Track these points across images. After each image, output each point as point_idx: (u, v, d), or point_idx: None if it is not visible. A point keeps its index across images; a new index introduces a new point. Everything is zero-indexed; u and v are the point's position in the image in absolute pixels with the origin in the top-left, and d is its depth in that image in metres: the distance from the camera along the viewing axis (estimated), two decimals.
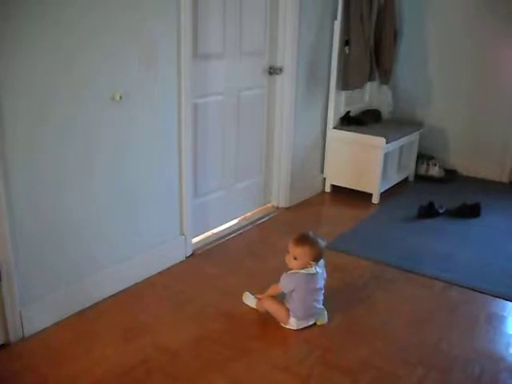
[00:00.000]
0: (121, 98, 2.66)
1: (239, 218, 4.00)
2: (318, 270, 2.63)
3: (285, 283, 2.62)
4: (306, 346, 2.52)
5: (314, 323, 2.67)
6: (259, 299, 2.74)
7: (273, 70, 3.91)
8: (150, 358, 2.38)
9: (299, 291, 2.58)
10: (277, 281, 2.66)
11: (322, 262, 2.68)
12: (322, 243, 2.63)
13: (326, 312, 2.71)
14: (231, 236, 3.71)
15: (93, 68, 2.52)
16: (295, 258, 2.58)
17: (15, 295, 2.41)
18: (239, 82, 3.67)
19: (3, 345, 2.42)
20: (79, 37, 2.42)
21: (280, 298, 2.68)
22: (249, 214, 4.09)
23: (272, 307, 2.66)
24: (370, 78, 4.64)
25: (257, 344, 2.53)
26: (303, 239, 2.60)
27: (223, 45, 3.45)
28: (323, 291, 2.67)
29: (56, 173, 2.47)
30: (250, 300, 2.79)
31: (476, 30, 4.86)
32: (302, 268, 2.59)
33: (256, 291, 2.82)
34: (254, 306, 2.77)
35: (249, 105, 3.81)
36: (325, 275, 2.70)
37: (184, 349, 2.47)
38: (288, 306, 2.62)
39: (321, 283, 2.64)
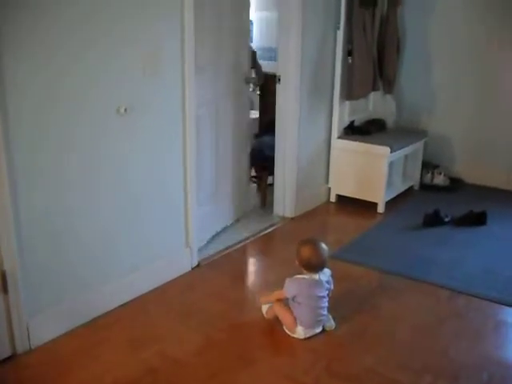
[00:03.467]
0: (125, 110, 2.68)
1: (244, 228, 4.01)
2: (322, 277, 2.64)
3: (287, 288, 2.64)
4: (311, 355, 2.52)
5: (322, 330, 2.67)
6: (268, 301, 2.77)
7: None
8: (157, 368, 2.39)
9: (301, 297, 2.59)
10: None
11: (327, 271, 2.69)
12: (326, 251, 2.65)
13: (331, 317, 2.72)
14: (237, 246, 3.72)
15: (97, 81, 2.54)
16: (299, 260, 2.63)
17: (22, 307, 2.42)
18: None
19: (10, 356, 2.42)
20: (81, 46, 2.44)
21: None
22: (254, 223, 4.10)
23: (281, 313, 2.67)
24: (374, 88, 4.65)
25: (263, 353, 2.53)
26: (307, 241, 2.70)
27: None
28: (327, 299, 2.67)
29: (60, 185, 2.49)
30: (264, 306, 2.80)
31: (480, 38, 4.87)
32: (306, 273, 2.62)
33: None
34: (264, 312, 2.78)
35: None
36: (331, 286, 2.70)
37: (191, 358, 2.47)
38: (294, 313, 2.62)
39: (324, 292, 2.65)
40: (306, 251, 2.63)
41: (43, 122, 2.36)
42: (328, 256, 2.68)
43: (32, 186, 2.37)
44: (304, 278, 2.62)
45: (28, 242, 2.40)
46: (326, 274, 2.67)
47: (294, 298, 2.62)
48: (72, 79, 2.44)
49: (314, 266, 2.62)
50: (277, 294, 2.71)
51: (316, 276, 2.62)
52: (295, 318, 2.61)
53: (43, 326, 2.53)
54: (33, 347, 2.49)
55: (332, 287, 2.71)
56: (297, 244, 2.70)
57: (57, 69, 2.36)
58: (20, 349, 2.45)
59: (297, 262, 2.66)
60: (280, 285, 2.67)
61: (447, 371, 2.41)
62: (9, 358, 2.42)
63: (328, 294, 2.68)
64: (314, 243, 2.67)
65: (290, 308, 2.65)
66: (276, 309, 2.70)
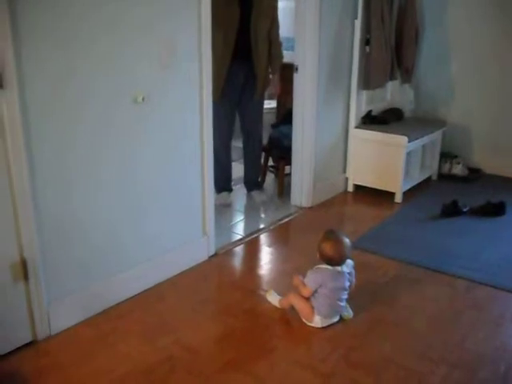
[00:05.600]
0: (143, 99, 2.69)
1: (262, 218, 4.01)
2: (345, 269, 2.62)
3: (311, 279, 2.62)
4: (329, 343, 2.53)
5: (340, 319, 2.67)
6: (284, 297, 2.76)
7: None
8: (174, 357, 2.41)
9: (324, 288, 2.58)
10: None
11: (350, 262, 2.67)
12: (349, 246, 2.62)
13: (349, 307, 2.72)
14: (254, 236, 3.73)
15: (114, 69, 2.55)
16: (320, 256, 2.60)
17: (42, 294, 2.46)
18: None
19: (31, 342, 2.47)
20: (98, 31, 2.44)
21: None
22: (271, 213, 4.10)
23: (298, 303, 2.66)
24: (392, 77, 4.62)
25: (279, 342, 2.54)
26: (329, 234, 2.64)
27: None
28: (348, 291, 2.66)
29: (75, 172, 2.50)
30: (273, 298, 2.80)
31: (499, 27, 4.80)
32: (328, 265, 2.60)
33: (279, 290, 2.83)
34: (277, 305, 2.78)
35: None
36: (353, 278, 2.68)
37: (207, 347, 2.49)
38: (312, 303, 2.62)
39: (346, 283, 2.63)
40: (327, 248, 2.57)
41: (58, 110, 2.36)
42: (351, 249, 2.65)
43: (48, 175, 2.38)
44: (327, 269, 2.60)
45: (48, 232, 2.42)
46: (348, 266, 2.65)
47: (316, 288, 2.61)
48: (89, 65, 2.43)
49: (336, 263, 2.60)
50: (301, 291, 2.65)
51: (339, 268, 2.61)
52: (312, 308, 2.62)
53: (63, 313, 2.57)
54: (53, 334, 2.53)
55: (354, 280, 2.69)
56: (319, 239, 2.64)
57: (73, 54, 2.36)
58: (40, 335, 2.49)
59: (318, 256, 2.63)
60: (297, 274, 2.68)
61: (464, 362, 2.40)
62: (30, 344, 2.46)
63: (350, 286, 2.66)
64: (336, 240, 2.59)
65: (306, 298, 2.65)
66: (292, 299, 2.69)
